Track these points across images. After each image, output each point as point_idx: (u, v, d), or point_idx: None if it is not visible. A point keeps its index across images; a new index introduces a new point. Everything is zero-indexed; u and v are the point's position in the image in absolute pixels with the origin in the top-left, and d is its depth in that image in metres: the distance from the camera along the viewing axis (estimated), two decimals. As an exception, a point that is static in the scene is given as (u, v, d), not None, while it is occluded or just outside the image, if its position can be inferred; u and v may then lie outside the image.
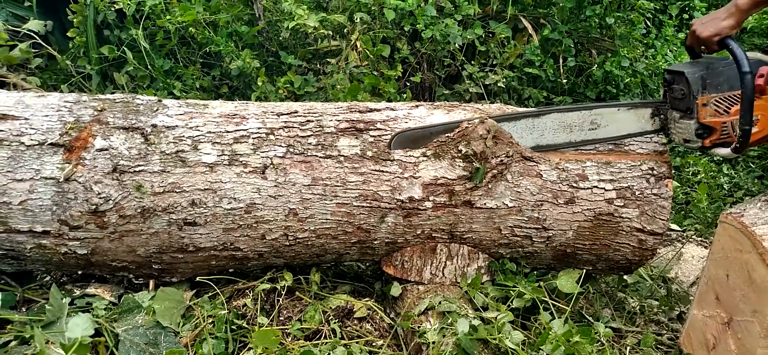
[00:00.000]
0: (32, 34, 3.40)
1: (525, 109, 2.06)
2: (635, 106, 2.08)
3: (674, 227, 3.38)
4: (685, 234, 3.34)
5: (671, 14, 4.65)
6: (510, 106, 2.13)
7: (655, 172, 2.07)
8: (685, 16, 4.97)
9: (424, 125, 1.99)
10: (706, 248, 3.12)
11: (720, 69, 1.91)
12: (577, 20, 3.92)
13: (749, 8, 1.86)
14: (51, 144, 1.82)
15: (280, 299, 1.99)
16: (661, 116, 2.08)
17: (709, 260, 1.89)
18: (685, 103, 1.96)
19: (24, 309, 1.92)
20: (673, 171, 3.83)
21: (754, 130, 1.85)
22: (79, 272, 2.01)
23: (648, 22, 4.52)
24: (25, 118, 1.85)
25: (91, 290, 1.96)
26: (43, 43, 3.44)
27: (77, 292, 1.95)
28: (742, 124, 1.83)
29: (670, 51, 4.31)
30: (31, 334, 1.65)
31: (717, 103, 1.91)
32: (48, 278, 2.10)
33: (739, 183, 3.83)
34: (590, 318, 2.22)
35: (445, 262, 2.06)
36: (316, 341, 1.86)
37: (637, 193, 2.05)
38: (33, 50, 3.39)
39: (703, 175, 3.81)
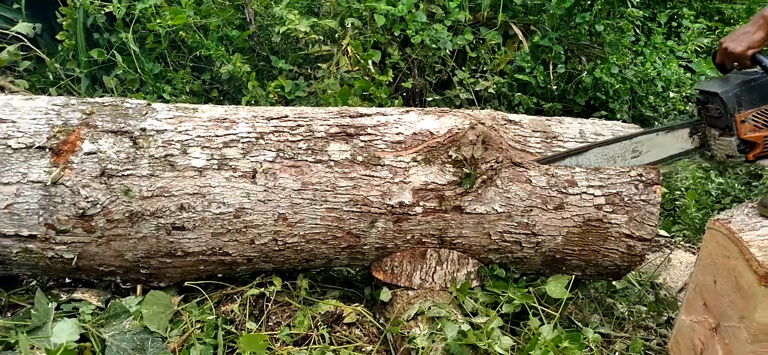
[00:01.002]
0: (21, 36, 3.38)
1: (568, 146, 2.10)
2: (672, 129, 2.10)
3: (663, 232, 3.39)
4: (673, 240, 3.36)
5: (660, 22, 4.69)
6: (500, 112, 2.13)
7: (643, 178, 2.08)
8: (674, 23, 5.01)
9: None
10: (694, 253, 3.13)
11: (753, 85, 1.90)
12: (567, 27, 3.95)
13: None
14: (38, 147, 1.81)
15: (269, 305, 1.98)
16: (699, 135, 2.09)
17: (696, 266, 1.90)
18: (723, 122, 1.96)
19: (9, 314, 1.90)
20: (662, 177, 3.85)
21: None
22: (66, 277, 2.00)
23: (637, 30, 4.55)
24: (13, 121, 1.83)
25: (77, 295, 1.94)
26: (32, 46, 3.41)
27: (63, 296, 1.93)
28: None
29: (659, 58, 4.34)
30: (16, 339, 1.63)
31: (755, 118, 1.91)
32: (34, 283, 2.09)
33: (727, 190, 3.86)
34: (579, 324, 2.22)
35: (435, 267, 2.06)
36: (305, 347, 1.85)
37: (625, 199, 2.07)
38: (21, 53, 3.37)
39: (692, 181, 3.83)
